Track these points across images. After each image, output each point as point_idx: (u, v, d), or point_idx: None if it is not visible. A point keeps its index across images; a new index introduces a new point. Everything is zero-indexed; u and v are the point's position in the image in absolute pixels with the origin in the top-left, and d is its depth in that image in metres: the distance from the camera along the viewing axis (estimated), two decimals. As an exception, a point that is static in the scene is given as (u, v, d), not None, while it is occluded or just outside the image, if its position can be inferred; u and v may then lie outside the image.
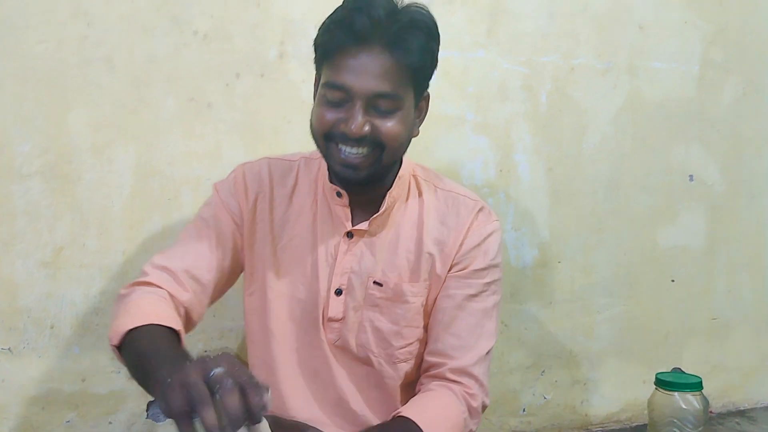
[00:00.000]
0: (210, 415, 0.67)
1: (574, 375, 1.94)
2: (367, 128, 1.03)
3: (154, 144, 1.47)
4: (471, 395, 1.12)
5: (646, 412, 1.49)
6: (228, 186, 1.20)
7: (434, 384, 1.13)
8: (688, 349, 2.08)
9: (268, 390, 0.72)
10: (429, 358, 1.15)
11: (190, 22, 1.49)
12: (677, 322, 2.06)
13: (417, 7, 1.06)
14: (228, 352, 0.79)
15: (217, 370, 0.71)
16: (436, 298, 1.15)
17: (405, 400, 1.16)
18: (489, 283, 1.16)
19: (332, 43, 1.03)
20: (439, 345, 1.14)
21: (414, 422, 1.04)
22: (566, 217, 1.91)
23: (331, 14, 1.06)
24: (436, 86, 1.71)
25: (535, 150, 1.86)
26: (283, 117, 1.56)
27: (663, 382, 1.44)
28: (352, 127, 1.02)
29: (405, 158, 1.17)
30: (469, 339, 1.13)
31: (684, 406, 1.40)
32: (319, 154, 1.18)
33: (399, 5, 1.05)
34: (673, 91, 2.03)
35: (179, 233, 1.20)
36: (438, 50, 1.11)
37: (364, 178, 1.07)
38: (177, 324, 1.01)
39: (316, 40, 1.08)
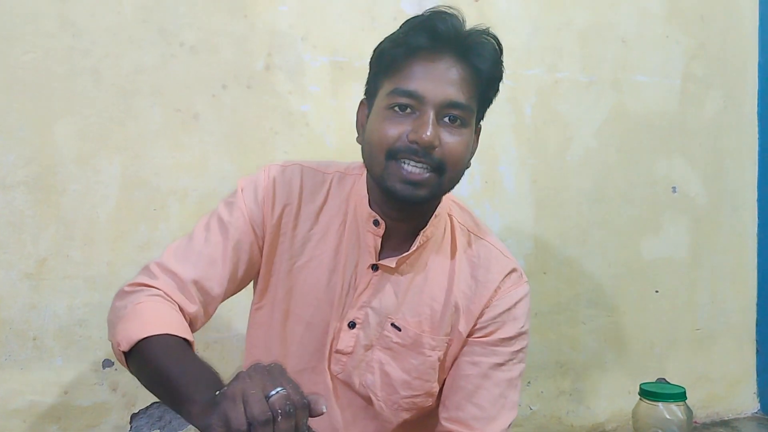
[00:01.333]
0: None
1: (560, 386, 1.95)
2: (438, 140, 0.96)
3: (140, 155, 1.47)
4: None
5: (631, 422, 1.50)
6: (254, 190, 1.08)
7: None
8: (673, 360, 2.09)
9: (324, 406, 0.74)
10: (448, 426, 1.08)
11: (176, 34, 1.49)
12: (661, 332, 2.08)
13: (484, 27, 1.04)
14: (280, 365, 0.77)
15: (280, 391, 0.71)
16: (456, 360, 1.08)
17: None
18: (517, 352, 1.09)
19: (406, 47, 0.97)
20: (461, 414, 1.07)
21: None
22: (551, 228, 1.92)
23: (401, 27, 1.02)
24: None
25: (520, 162, 1.88)
26: (270, 128, 1.57)
27: (647, 393, 1.45)
28: (425, 134, 0.94)
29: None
30: (492, 410, 1.06)
31: (668, 417, 1.41)
32: (355, 171, 1.12)
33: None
34: (655, 105, 2.05)
35: (194, 226, 1.10)
36: (502, 74, 1.06)
37: (423, 197, 0.98)
38: (191, 336, 0.96)
39: (378, 51, 1.03)
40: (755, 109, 2.20)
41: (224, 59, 1.53)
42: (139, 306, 0.96)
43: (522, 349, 1.10)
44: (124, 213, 1.46)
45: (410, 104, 0.97)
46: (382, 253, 1.06)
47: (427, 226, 1.06)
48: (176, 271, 1.02)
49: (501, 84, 1.06)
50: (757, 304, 2.21)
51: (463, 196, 1.77)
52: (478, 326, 1.08)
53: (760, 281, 2.21)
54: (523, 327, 1.10)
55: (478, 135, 1.08)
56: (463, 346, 1.09)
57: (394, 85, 0.98)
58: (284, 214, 1.09)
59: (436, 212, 1.07)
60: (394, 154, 0.97)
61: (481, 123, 1.08)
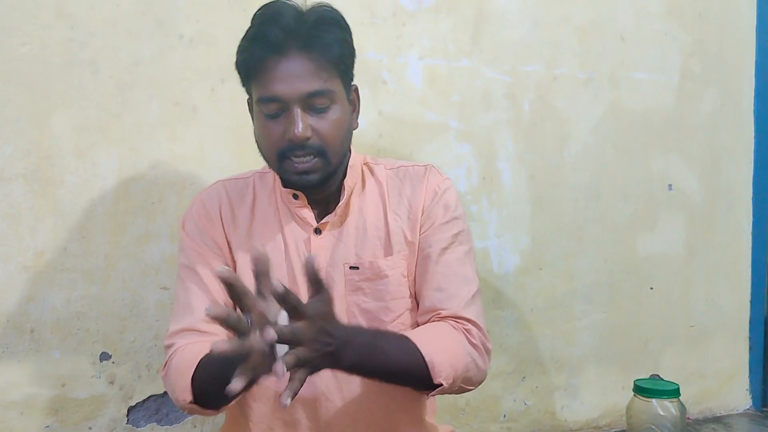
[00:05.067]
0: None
1: (555, 381, 1.96)
2: (309, 132, 1.06)
3: (138, 147, 1.47)
4: (467, 330, 1.13)
5: (624, 418, 1.51)
6: (193, 220, 1.20)
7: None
8: (667, 356, 2.11)
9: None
10: (421, 318, 1.17)
11: (175, 26, 1.49)
12: (656, 329, 2.09)
13: (321, 6, 1.11)
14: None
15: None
16: (416, 263, 1.18)
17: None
18: (456, 234, 1.19)
19: (252, 59, 1.07)
20: (427, 303, 1.16)
21: (405, 336, 1.05)
22: (548, 224, 1.93)
23: (245, 35, 1.11)
24: (420, 94, 1.75)
25: (518, 158, 1.88)
26: (268, 122, 1.56)
27: (641, 389, 1.46)
28: (296, 131, 1.05)
29: (353, 150, 1.21)
30: (451, 288, 1.15)
31: (662, 413, 1.42)
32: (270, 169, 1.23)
33: (304, 8, 1.09)
34: (653, 102, 2.06)
35: (175, 292, 1.19)
36: (352, 40, 1.13)
37: (318, 181, 1.10)
38: None
39: (236, 62, 1.12)
40: (752, 106, 2.21)
41: (223, 52, 1.53)
42: (178, 366, 1.07)
43: (461, 232, 1.20)
44: (122, 206, 1.46)
45: (277, 109, 1.07)
46: (317, 218, 1.17)
47: (346, 177, 1.17)
48: (183, 327, 1.12)
49: (354, 45, 1.13)
50: (751, 302, 2.23)
51: (460, 192, 1.78)
52: (420, 225, 1.18)
53: (754, 279, 2.22)
54: (454, 212, 1.20)
55: (357, 94, 1.18)
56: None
57: (258, 93, 1.08)
58: (224, 223, 1.19)
59: (349, 164, 1.18)
60: (282, 156, 1.08)
61: (354, 83, 1.16)
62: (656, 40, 2.04)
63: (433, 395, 1.09)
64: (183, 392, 1.03)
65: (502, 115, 1.86)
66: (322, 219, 1.17)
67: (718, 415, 2.17)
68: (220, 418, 1.52)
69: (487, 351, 1.15)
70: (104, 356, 1.45)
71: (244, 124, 1.54)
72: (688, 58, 2.09)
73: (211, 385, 0.99)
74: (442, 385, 1.04)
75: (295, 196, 1.16)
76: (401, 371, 1.04)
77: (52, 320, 1.41)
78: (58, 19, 1.40)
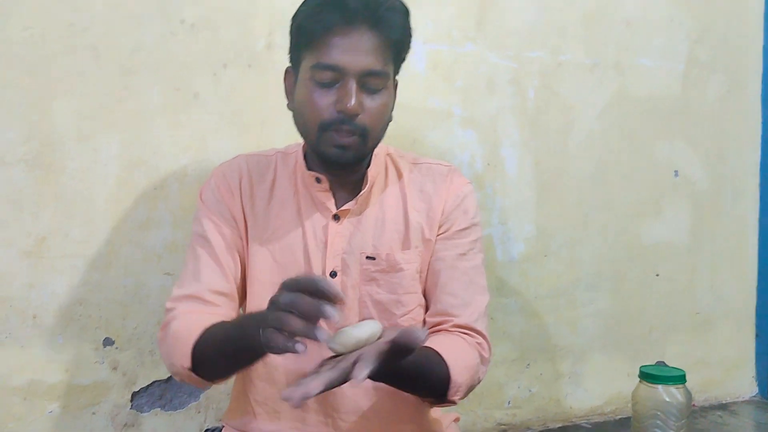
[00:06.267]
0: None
1: (559, 368, 1.95)
2: (360, 108, 1.06)
3: (139, 134, 1.46)
4: (479, 345, 1.16)
5: (630, 405, 1.50)
6: (212, 193, 1.19)
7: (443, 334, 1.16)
8: (672, 344, 2.10)
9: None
10: (431, 319, 1.18)
11: (177, 11, 1.48)
12: (661, 316, 2.08)
13: None
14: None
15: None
16: (429, 264, 1.19)
17: None
18: (474, 241, 1.21)
19: (320, 24, 1.05)
20: (439, 306, 1.17)
21: (438, 353, 1.06)
22: (552, 211, 1.92)
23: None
24: (424, 80, 1.74)
25: (523, 144, 1.87)
26: (271, 108, 1.55)
27: (647, 375, 1.45)
28: (350, 103, 1.04)
29: None
30: (465, 296, 1.17)
31: (667, 399, 1.42)
32: (294, 149, 1.22)
33: None
34: (658, 88, 2.04)
35: (185, 258, 1.19)
36: (411, 37, 1.15)
37: (351, 158, 1.09)
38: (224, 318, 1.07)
39: (296, 25, 1.10)
40: (759, 93, 2.19)
41: (225, 38, 1.52)
42: (177, 331, 1.07)
43: (477, 239, 1.22)
44: (124, 192, 1.46)
45: (332, 77, 1.06)
46: (337, 204, 1.17)
47: (370, 166, 1.17)
48: (187, 293, 1.12)
49: (412, 41, 1.15)
50: (757, 289, 2.22)
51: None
52: (439, 226, 1.19)
53: (761, 266, 2.21)
54: (474, 218, 1.22)
55: (396, 88, 1.17)
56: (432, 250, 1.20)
57: (315, 59, 1.06)
58: (242, 197, 1.19)
59: (374, 153, 1.18)
60: (325, 127, 1.07)
61: (397, 78, 1.17)
62: (662, 26, 2.02)
63: (433, 406, 1.13)
64: (182, 358, 1.03)
65: (506, 102, 1.84)
66: (342, 206, 1.16)
67: (724, 402, 2.16)
68: (224, 403, 1.52)
69: (487, 360, 1.19)
70: (107, 342, 1.45)
71: (246, 110, 1.54)
72: (694, 45, 2.07)
73: (215, 356, 1.00)
74: (452, 401, 1.08)
75: (318, 180, 1.15)
76: (426, 387, 1.06)
77: (54, 306, 1.41)
78: (59, 3, 1.39)
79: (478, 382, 1.15)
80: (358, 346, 0.86)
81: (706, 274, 2.14)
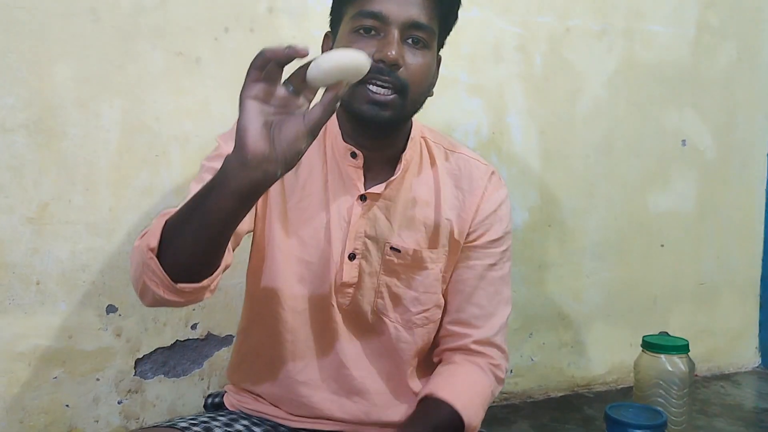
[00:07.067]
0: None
1: (562, 337, 1.96)
2: (401, 60, 0.98)
3: (141, 99, 1.44)
4: (496, 366, 1.13)
5: (632, 374, 1.51)
6: (231, 136, 1.07)
7: (459, 357, 1.13)
8: (676, 313, 2.10)
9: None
10: (451, 327, 1.14)
11: (177, -26, 1.45)
12: (665, 286, 2.08)
13: None
14: None
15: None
16: (455, 267, 1.14)
17: (417, 366, 1.15)
18: (505, 251, 1.16)
19: None
20: (462, 315, 1.13)
21: (451, 406, 1.03)
22: (558, 180, 1.90)
23: None
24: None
25: (529, 112, 1.85)
26: (273, 73, 1.53)
27: (650, 345, 1.46)
28: (390, 53, 0.96)
29: (414, 120, 1.13)
30: (490, 307, 1.13)
31: (670, 369, 1.42)
32: None
33: None
34: (668, 55, 2.01)
35: (189, 188, 1.04)
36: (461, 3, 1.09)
37: (387, 118, 1.00)
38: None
39: None
40: (770, 61, 2.16)
41: (226, 1, 1.49)
42: (148, 228, 0.92)
43: (508, 248, 1.17)
44: (126, 158, 1.44)
45: (374, 26, 0.99)
46: (366, 184, 1.09)
47: (406, 150, 1.10)
48: (168, 210, 0.94)
49: (459, 11, 1.09)
50: (763, 260, 2.21)
51: (470, 147, 1.75)
52: (470, 230, 1.13)
53: (767, 237, 2.20)
54: (507, 227, 1.16)
55: (439, 64, 1.10)
56: (459, 254, 1.14)
57: (358, 8, 1.00)
58: None
59: (410, 136, 1.11)
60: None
61: (441, 54, 1.09)
62: (673, -10, 1.98)
63: None
64: (150, 238, 0.86)
65: (513, 69, 1.81)
66: (370, 186, 1.09)
67: (727, 372, 2.17)
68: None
69: (506, 372, 1.16)
70: (110, 309, 1.45)
71: (249, 75, 1.52)
72: (704, 10, 2.04)
73: (183, 218, 0.85)
74: None
75: (353, 155, 1.07)
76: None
77: (57, 272, 1.41)
78: (57, -34, 1.36)
79: (491, 400, 1.12)
80: (341, 77, 0.77)
81: (712, 244, 2.13)
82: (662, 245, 2.05)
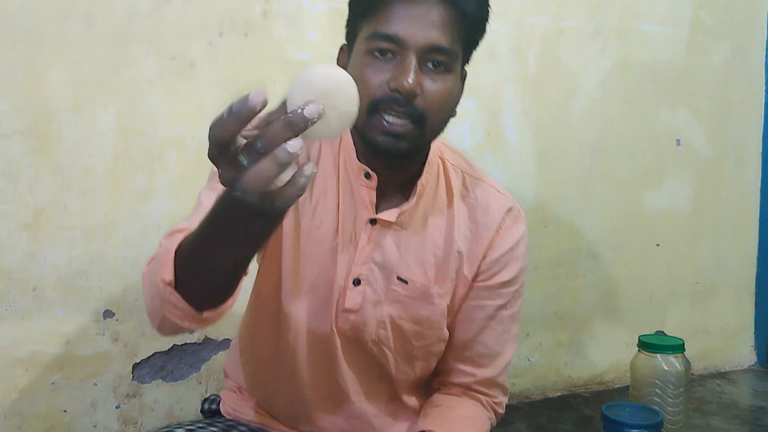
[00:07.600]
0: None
1: (559, 337, 1.96)
2: (419, 89, 0.90)
3: (136, 103, 1.44)
4: (497, 404, 1.11)
5: (629, 374, 1.51)
6: None
7: (458, 390, 1.11)
8: (671, 313, 2.10)
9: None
10: (455, 364, 1.11)
11: (171, -22, 1.45)
12: (661, 285, 2.08)
13: None
14: None
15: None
16: (464, 302, 1.08)
17: (412, 393, 1.13)
18: (518, 289, 1.10)
19: None
20: (467, 353, 1.10)
21: None
22: (553, 180, 1.91)
23: None
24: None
25: (523, 113, 1.85)
26: (268, 76, 1.53)
27: (646, 344, 1.46)
28: (406, 82, 0.89)
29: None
30: (497, 347, 1.10)
31: (666, 368, 1.42)
32: None
33: None
34: (662, 55, 2.01)
35: (199, 197, 1.00)
36: (488, 18, 1.00)
37: (404, 150, 0.94)
38: None
39: None
40: (763, 60, 2.17)
41: (220, 5, 1.49)
42: (156, 255, 0.88)
43: (522, 284, 1.11)
44: (121, 162, 1.44)
45: (391, 49, 0.91)
46: (377, 207, 1.03)
47: (422, 175, 1.03)
48: (177, 229, 0.91)
49: (487, 25, 1.00)
50: (758, 258, 2.22)
51: (465, 148, 1.75)
52: (482, 269, 1.06)
53: (762, 235, 2.21)
54: (522, 265, 1.10)
55: (464, 80, 1.02)
56: (468, 290, 1.08)
57: (374, 28, 0.92)
58: None
59: (428, 159, 1.03)
60: (375, 107, 0.91)
61: (466, 68, 1.02)
62: (666, -10, 1.99)
63: None
64: (163, 270, 0.80)
65: (507, 69, 1.82)
66: (382, 210, 1.02)
67: (723, 370, 2.18)
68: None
69: (501, 415, 1.14)
70: (107, 314, 1.45)
71: (243, 79, 1.52)
72: (698, 10, 2.04)
73: (197, 247, 0.76)
74: None
75: (367, 176, 1.00)
76: None
77: (54, 278, 1.41)
78: (51, -29, 1.36)
79: None
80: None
81: (707, 242, 2.14)
82: (658, 244, 2.06)
